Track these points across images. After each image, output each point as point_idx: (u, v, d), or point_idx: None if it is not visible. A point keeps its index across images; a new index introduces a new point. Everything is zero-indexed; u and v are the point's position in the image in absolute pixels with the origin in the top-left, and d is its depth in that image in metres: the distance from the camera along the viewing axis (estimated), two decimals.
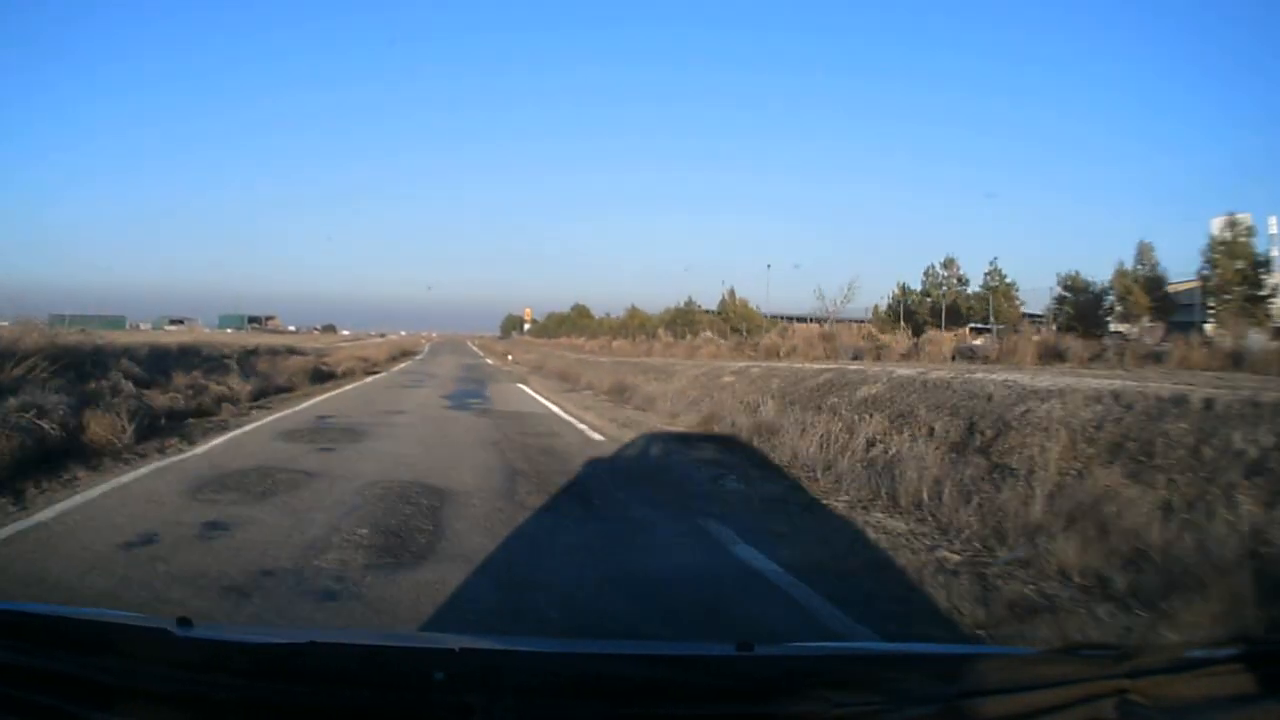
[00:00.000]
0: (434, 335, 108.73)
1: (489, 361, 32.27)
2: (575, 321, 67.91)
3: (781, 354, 20.16)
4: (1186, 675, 1.05)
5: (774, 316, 38.02)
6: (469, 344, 70.38)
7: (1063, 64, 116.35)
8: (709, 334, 33.06)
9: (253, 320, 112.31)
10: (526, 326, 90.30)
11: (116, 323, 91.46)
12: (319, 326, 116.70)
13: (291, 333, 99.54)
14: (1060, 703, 1.01)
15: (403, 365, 26.70)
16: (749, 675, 1.05)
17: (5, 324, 11.96)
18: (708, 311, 44.05)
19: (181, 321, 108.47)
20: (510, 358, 33.33)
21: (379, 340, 52.20)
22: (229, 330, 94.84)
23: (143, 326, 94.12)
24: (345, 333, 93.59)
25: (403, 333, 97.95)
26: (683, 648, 1.57)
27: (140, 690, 0.98)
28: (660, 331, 40.33)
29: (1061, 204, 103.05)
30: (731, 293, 43.40)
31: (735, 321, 39.37)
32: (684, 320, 42.46)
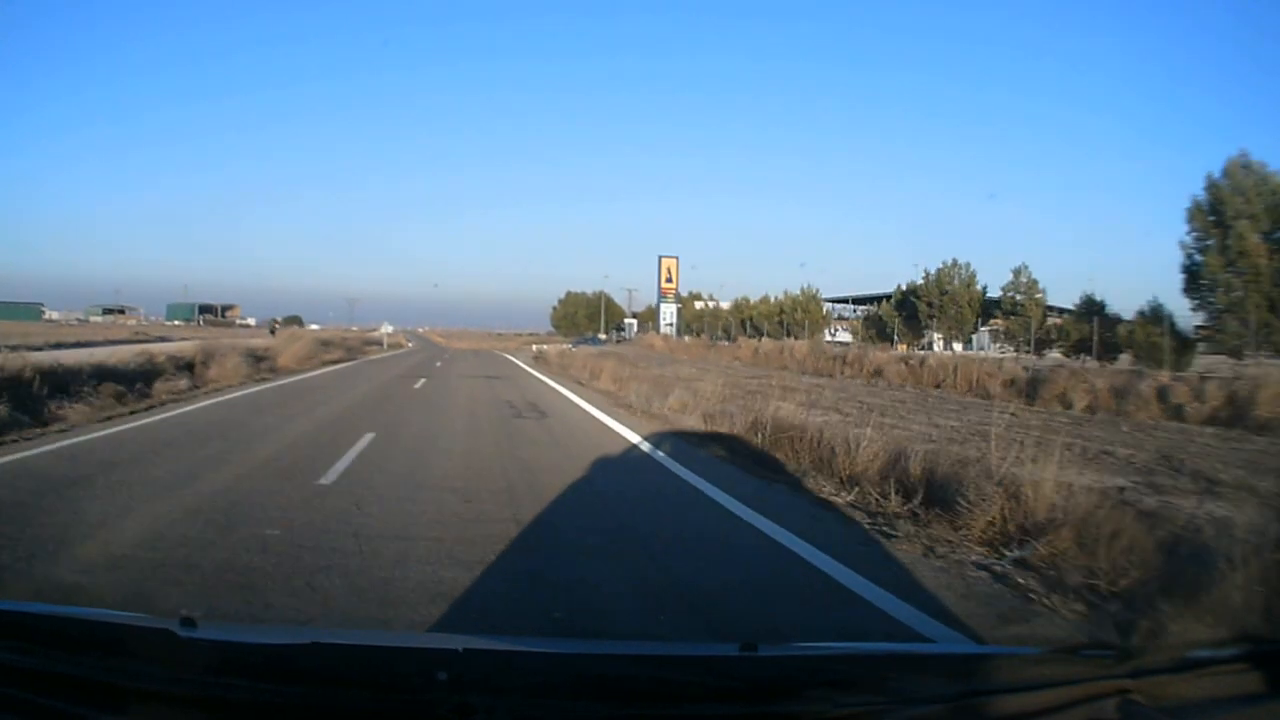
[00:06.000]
0: (396, 336, 61.20)
1: None
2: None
3: None
4: (1188, 675, 1.06)
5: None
6: (509, 358, 32.05)
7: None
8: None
9: (205, 310, 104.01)
10: (669, 314, 44.77)
11: (28, 312, 78.23)
12: (279, 319, 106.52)
13: (246, 326, 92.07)
14: (1062, 702, 1.01)
15: None
16: (752, 676, 1.05)
17: None
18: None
19: (122, 311, 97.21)
20: None
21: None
22: (175, 322, 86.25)
23: (67, 317, 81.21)
24: (314, 327, 73.00)
25: (388, 329, 66.50)
26: (686, 648, 1.58)
27: (144, 691, 0.97)
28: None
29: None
30: None
31: None
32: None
